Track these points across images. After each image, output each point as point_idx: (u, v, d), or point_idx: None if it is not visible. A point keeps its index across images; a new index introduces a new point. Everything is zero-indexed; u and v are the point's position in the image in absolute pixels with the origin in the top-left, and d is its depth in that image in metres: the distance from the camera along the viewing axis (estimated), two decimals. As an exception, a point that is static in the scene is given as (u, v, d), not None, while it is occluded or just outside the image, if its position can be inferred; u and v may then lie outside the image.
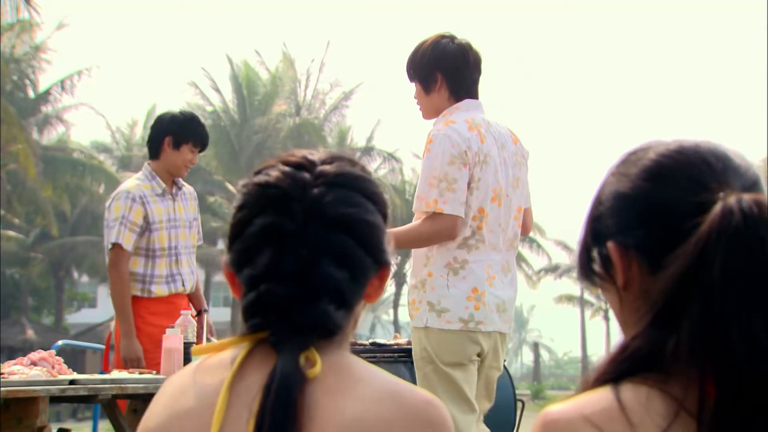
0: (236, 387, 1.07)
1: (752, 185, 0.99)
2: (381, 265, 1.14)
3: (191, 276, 4.40)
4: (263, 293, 1.08)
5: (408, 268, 25.54)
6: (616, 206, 1.02)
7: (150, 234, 4.24)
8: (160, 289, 4.26)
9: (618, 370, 0.95)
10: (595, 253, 1.04)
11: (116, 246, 4.16)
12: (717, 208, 0.93)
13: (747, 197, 0.94)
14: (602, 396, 0.94)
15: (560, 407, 0.95)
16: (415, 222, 3.22)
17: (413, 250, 3.31)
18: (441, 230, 3.13)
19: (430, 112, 3.30)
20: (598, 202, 1.06)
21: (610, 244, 1.02)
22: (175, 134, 4.27)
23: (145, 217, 4.22)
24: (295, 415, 1.02)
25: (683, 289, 0.93)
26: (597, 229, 1.04)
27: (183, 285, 4.33)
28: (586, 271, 1.07)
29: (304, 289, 1.08)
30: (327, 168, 1.13)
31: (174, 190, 4.37)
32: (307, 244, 1.08)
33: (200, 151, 4.37)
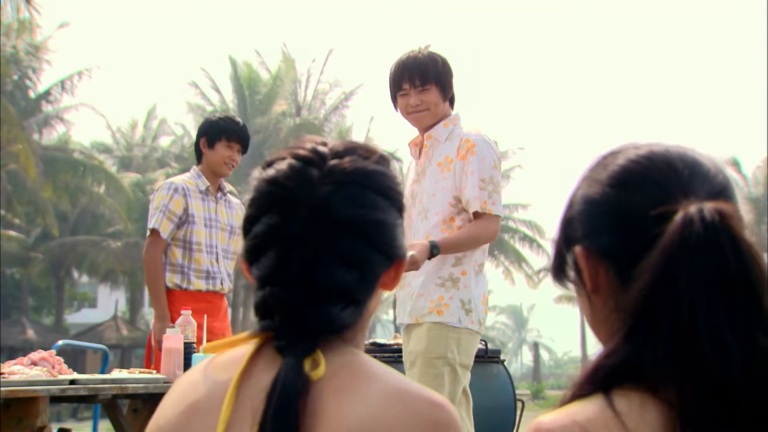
0: (244, 386, 1.06)
1: (720, 191, 0.98)
2: (395, 259, 1.12)
3: (228, 278, 4.47)
4: (268, 296, 1.07)
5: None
6: (584, 211, 1.02)
7: (189, 227, 4.35)
8: (199, 283, 4.33)
9: (596, 386, 0.94)
10: (567, 257, 1.04)
11: (153, 232, 4.30)
12: (678, 217, 0.92)
13: (709, 206, 0.92)
14: (594, 404, 0.93)
15: (552, 416, 0.93)
16: (465, 226, 3.27)
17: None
18: (491, 231, 3.27)
19: (435, 117, 3.36)
20: (569, 205, 1.05)
21: (578, 249, 1.01)
22: (207, 134, 4.41)
23: (185, 209, 4.34)
24: (296, 425, 1.00)
25: (652, 301, 0.92)
26: (568, 233, 1.04)
27: (222, 284, 4.42)
28: (558, 273, 1.06)
29: (309, 292, 1.06)
30: (337, 163, 1.10)
31: (218, 194, 4.48)
32: (313, 246, 1.06)
33: (243, 149, 4.46)
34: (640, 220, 0.96)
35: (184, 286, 4.30)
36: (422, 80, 3.31)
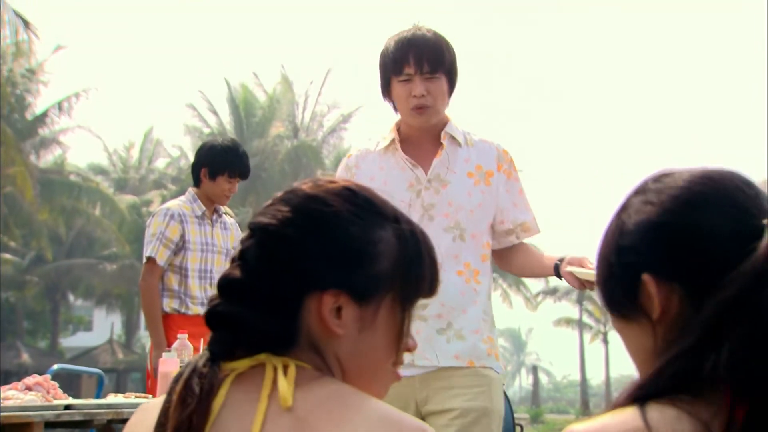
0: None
1: None
2: (314, 286, 1.09)
3: None
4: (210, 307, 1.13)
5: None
6: (648, 236, 1.00)
7: (184, 253, 4.34)
8: (196, 308, 4.33)
9: (650, 391, 0.94)
10: (622, 286, 1.02)
11: (150, 260, 4.29)
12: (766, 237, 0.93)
13: None
14: (628, 416, 0.92)
15: (585, 425, 0.93)
16: (532, 249, 2.79)
17: (478, 275, 2.69)
18: None
19: (438, 115, 2.69)
20: (620, 233, 1.03)
21: (647, 277, 0.99)
22: (210, 166, 4.36)
23: (182, 236, 4.34)
24: (203, 412, 1.03)
25: (731, 313, 0.92)
26: (626, 262, 1.02)
27: None
28: (616, 305, 1.04)
29: (239, 301, 1.10)
30: (295, 188, 1.15)
31: (214, 217, 4.47)
32: (251, 257, 1.11)
33: (242, 179, 4.44)
34: (719, 239, 0.96)
35: (183, 310, 4.30)
36: (432, 65, 2.61)
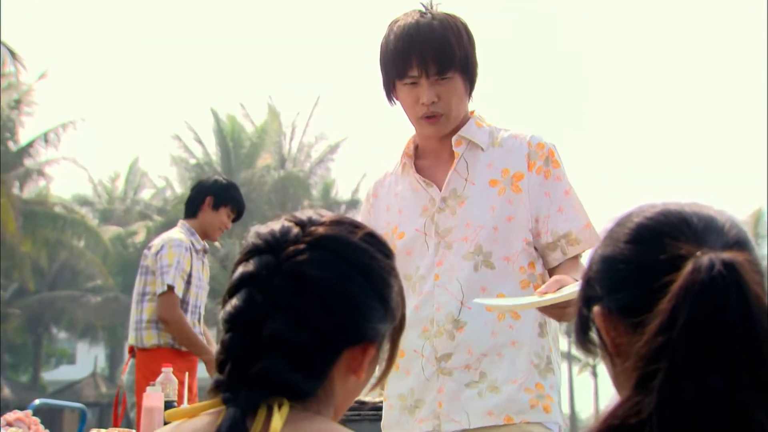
0: None
1: (734, 244, 0.98)
2: (360, 341, 1.10)
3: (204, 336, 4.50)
4: (222, 343, 1.09)
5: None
6: (602, 269, 1.04)
7: (188, 287, 4.34)
8: None
9: None
10: (589, 320, 1.05)
11: (171, 289, 4.23)
12: (688, 266, 0.94)
13: (721, 255, 0.94)
14: None
15: None
16: (576, 263, 2.17)
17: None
18: None
19: (456, 121, 2.22)
20: (589, 268, 1.07)
21: (596, 309, 1.02)
22: (216, 195, 4.41)
23: (190, 270, 4.33)
24: None
25: (656, 349, 0.92)
26: (587, 295, 1.05)
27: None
28: (582, 339, 1.07)
29: (256, 341, 1.06)
30: (318, 228, 1.12)
31: (202, 253, 4.48)
32: (269, 295, 1.07)
33: (235, 220, 4.47)
34: (655, 273, 0.97)
35: (177, 345, 4.26)
36: (441, 66, 2.12)
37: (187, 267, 4.28)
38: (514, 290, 2.11)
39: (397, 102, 2.24)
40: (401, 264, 2.16)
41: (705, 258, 0.94)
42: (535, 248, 2.17)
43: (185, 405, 3.50)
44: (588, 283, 1.05)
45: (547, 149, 2.18)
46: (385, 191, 2.31)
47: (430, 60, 2.11)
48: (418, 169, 2.26)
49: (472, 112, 2.26)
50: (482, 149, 2.20)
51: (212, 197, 4.39)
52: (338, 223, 1.14)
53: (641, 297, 0.97)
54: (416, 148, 2.29)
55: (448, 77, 2.14)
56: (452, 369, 2.11)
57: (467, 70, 2.17)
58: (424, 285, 2.17)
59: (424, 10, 2.18)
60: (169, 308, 4.21)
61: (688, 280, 0.92)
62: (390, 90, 2.23)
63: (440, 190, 2.20)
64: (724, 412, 0.88)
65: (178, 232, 4.40)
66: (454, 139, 2.21)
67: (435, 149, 2.25)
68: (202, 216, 4.40)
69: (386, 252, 1.16)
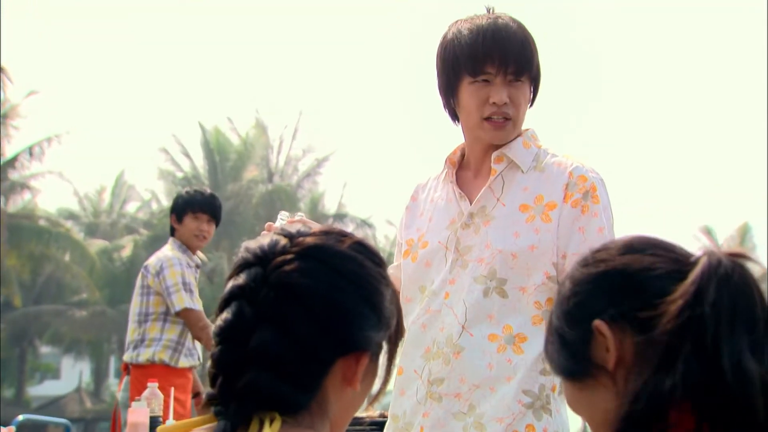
0: None
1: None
2: (352, 350, 1.08)
3: (198, 351, 4.54)
4: (213, 356, 1.08)
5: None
6: (592, 287, 1.07)
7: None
8: (183, 361, 4.36)
9: (626, 426, 0.99)
10: (573, 346, 1.07)
11: (190, 310, 4.31)
12: (704, 258, 1.03)
13: (726, 255, 1.03)
14: None
15: None
16: None
17: (523, 342, 2.01)
18: None
19: (517, 129, 2.12)
20: (564, 302, 1.09)
21: (598, 322, 1.04)
22: (176, 210, 4.53)
23: (190, 283, 4.42)
24: None
25: (679, 330, 0.99)
26: (575, 320, 1.07)
27: (198, 359, 4.50)
28: (571, 370, 1.07)
29: (243, 353, 1.05)
30: (306, 239, 1.11)
31: (195, 268, 4.54)
32: (256, 308, 1.06)
33: (214, 220, 4.51)
34: (656, 277, 1.04)
35: (172, 364, 4.29)
36: (519, 68, 2.03)
37: (191, 279, 4.39)
38: (523, 324, 1.99)
39: (452, 105, 2.13)
40: (419, 274, 2.17)
41: (716, 253, 1.03)
42: None
43: (170, 420, 3.47)
44: (576, 307, 1.07)
45: (590, 183, 2.04)
46: (424, 196, 2.23)
47: (511, 59, 2.02)
48: (458, 180, 2.16)
49: (525, 130, 2.15)
50: (522, 171, 2.08)
51: (174, 214, 4.53)
52: (326, 233, 1.14)
53: (647, 300, 1.02)
54: (462, 156, 2.19)
55: (521, 81, 2.05)
56: (442, 395, 2.01)
57: (536, 79, 2.10)
58: (434, 302, 2.07)
59: (496, 13, 2.10)
60: (196, 325, 4.32)
61: (709, 266, 1.01)
62: (452, 90, 2.10)
63: (471, 205, 2.11)
64: (762, 391, 0.96)
65: (171, 250, 4.49)
66: (495, 154, 2.10)
67: (478, 161, 2.14)
68: (178, 234, 4.52)
69: (376, 260, 1.14)
